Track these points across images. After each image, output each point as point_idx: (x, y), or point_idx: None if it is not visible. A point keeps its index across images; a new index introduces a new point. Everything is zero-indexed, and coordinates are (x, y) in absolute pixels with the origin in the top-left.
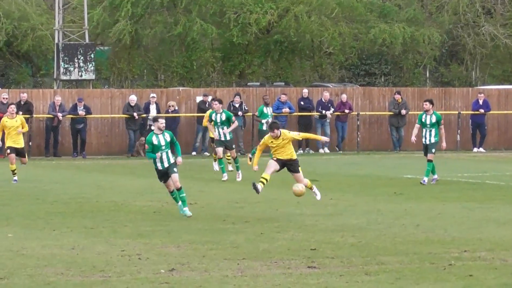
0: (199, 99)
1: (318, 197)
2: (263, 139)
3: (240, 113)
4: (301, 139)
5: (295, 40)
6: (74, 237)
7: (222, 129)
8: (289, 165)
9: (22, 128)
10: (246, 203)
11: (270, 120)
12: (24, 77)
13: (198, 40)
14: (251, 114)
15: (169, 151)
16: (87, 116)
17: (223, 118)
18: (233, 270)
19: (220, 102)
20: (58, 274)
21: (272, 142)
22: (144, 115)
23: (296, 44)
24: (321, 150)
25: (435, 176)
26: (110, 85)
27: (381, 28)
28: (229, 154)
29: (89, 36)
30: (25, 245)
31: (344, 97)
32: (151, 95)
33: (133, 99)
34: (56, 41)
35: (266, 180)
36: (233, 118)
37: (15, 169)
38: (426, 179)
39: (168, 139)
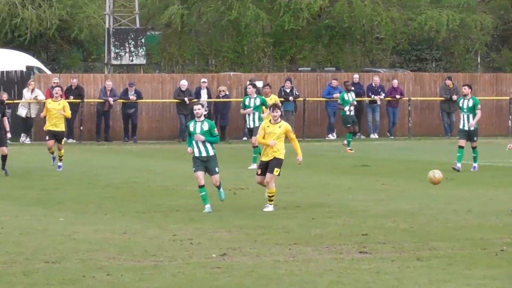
0: None
1: (269, 208)
2: (260, 126)
3: (291, 98)
4: (292, 137)
5: (347, 25)
6: (126, 222)
7: (254, 115)
8: (270, 163)
9: (64, 112)
10: (298, 188)
11: (352, 107)
12: (75, 62)
13: (249, 25)
14: (302, 99)
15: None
16: (138, 100)
17: (257, 103)
18: (284, 255)
19: (254, 86)
20: (110, 258)
21: (268, 127)
22: (195, 100)
23: (347, 29)
24: (372, 136)
25: (458, 165)
26: (161, 70)
27: (429, 15)
28: None
29: (140, 21)
30: (77, 229)
31: (395, 82)
32: (202, 80)
33: (184, 84)
34: (107, 26)
35: (273, 194)
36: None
37: (55, 153)
38: (475, 165)
39: (206, 128)
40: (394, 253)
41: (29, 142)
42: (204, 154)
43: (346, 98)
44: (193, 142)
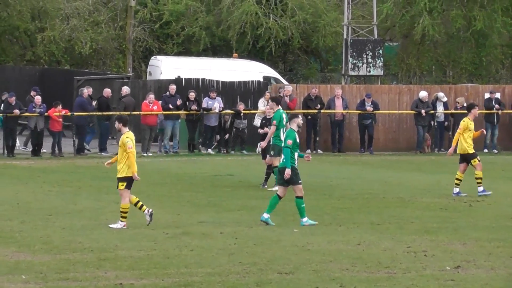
0: (487, 96)
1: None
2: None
3: None
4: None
5: None
6: (360, 233)
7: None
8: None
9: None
10: None
11: None
12: (313, 72)
13: (490, 36)
14: None
15: None
16: (375, 112)
17: None
18: None
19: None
20: (343, 269)
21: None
22: (432, 112)
23: None
24: None
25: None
26: (398, 81)
27: None
28: None
29: (378, 31)
30: (310, 240)
31: None
32: (439, 93)
33: (424, 95)
34: (344, 36)
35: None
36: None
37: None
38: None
39: None
40: None
41: None
42: None
43: None
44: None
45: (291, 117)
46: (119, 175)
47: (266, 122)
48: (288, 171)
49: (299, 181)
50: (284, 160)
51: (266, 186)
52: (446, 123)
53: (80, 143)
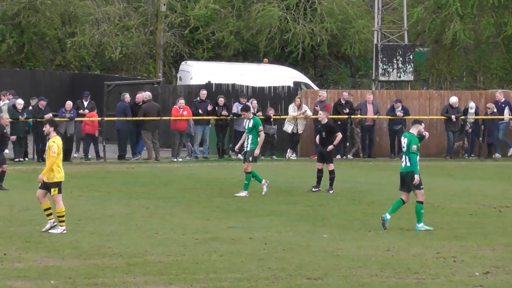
0: None
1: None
2: None
3: None
4: None
5: None
6: (389, 239)
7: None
8: None
9: None
10: None
11: None
12: (343, 78)
13: None
14: None
15: None
16: (405, 117)
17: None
18: None
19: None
20: (372, 275)
21: None
22: (463, 117)
23: None
24: None
25: (243, 193)
26: (429, 87)
27: None
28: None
29: (409, 36)
30: (340, 245)
31: None
32: (470, 104)
33: (454, 100)
34: (375, 42)
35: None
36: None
37: None
38: (243, 193)
39: None
40: None
41: (295, 158)
42: None
43: None
44: None
45: (414, 122)
46: (49, 180)
47: (321, 128)
48: (417, 177)
49: (421, 186)
50: (407, 165)
51: (320, 189)
52: (470, 130)
53: (122, 150)
